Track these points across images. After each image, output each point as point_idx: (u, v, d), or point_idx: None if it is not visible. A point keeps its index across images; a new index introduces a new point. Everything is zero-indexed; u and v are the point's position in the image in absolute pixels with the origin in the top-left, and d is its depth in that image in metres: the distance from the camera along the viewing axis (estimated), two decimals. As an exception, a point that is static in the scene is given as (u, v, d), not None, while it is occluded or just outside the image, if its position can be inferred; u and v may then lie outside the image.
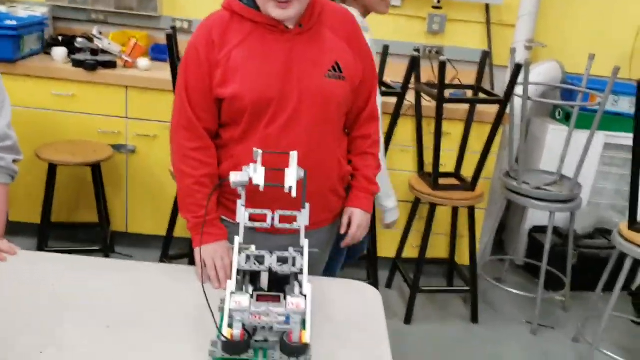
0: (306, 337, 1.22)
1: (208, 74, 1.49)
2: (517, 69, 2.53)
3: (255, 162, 1.37)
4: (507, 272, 3.49)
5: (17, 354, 1.17)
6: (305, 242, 1.32)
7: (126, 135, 3.13)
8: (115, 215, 3.27)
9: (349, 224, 1.69)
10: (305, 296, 1.25)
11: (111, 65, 3.06)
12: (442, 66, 2.53)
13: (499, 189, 3.30)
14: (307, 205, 1.36)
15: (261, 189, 1.35)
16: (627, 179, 3.56)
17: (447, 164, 3.06)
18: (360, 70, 1.60)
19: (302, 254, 1.31)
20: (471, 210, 2.92)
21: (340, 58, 1.55)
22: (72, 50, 3.12)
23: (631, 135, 3.31)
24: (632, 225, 2.52)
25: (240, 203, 1.35)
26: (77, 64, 3.00)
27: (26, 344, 1.21)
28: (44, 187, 2.93)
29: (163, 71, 3.15)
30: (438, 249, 3.33)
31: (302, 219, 1.35)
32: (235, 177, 1.36)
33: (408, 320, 2.91)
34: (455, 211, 3.15)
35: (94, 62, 2.98)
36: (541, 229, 3.48)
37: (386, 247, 3.24)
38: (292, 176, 1.35)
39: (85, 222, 3.24)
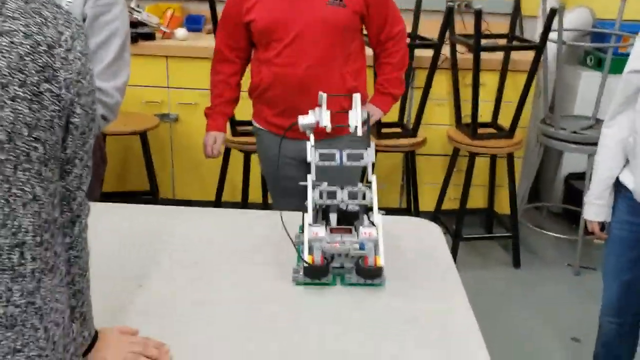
0: (381, 261, 1.32)
1: (239, 4, 1.98)
2: (552, 13, 2.57)
3: (320, 106, 1.47)
4: (545, 219, 3.56)
5: (117, 287, 1.29)
6: (373, 178, 1.41)
7: (169, 104, 3.24)
8: (162, 183, 3.39)
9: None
10: (375, 226, 1.35)
11: (150, 37, 3.15)
12: (478, 15, 2.58)
13: (535, 136, 3.35)
14: (373, 144, 1.44)
15: (328, 130, 1.44)
16: (662, 121, 3.59)
17: (483, 114, 3.11)
18: (359, 1, 1.96)
19: (370, 188, 1.40)
20: (510, 158, 2.99)
21: None
22: (112, 25, 3.21)
23: (665, 76, 3.34)
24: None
25: (310, 144, 1.43)
26: (119, 37, 3.09)
27: (125, 277, 1.32)
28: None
29: (200, 40, 3.25)
30: (475, 199, 3.40)
31: (369, 156, 1.43)
32: (302, 120, 1.45)
33: (452, 268, 3.00)
34: (493, 161, 3.22)
35: (135, 34, 3.07)
36: (577, 176, 3.53)
37: (426, 202, 3.32)
38: (356, 116, 1.44)
39: (133, 190, 3.37)
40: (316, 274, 1.32)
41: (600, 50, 3.41)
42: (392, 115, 2.91)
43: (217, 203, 3.05)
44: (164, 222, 1.60)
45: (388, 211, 1.44)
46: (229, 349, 1.12)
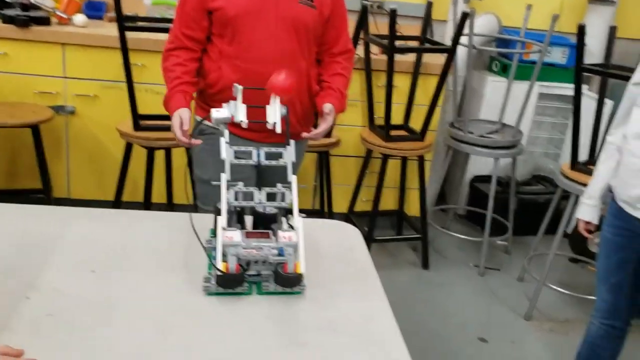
0: (301, 268, 1.23)
1: None
2: (464, 16, 2.60)
3: (235, 98, 1.36)
4: (451, 221, 3.63)
5: (3, 299, 1.12)
6: (293, 178, 1.32)
7: (65, 96, 2.99)
8: (56, 180, 3.13)
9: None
10: (295, 229, 1.26)
11: (45, 21, 2.89)
12: (392, 14, 2.57)
13: (444, 140, 3.40)
14: (292, 142, 1.36)
15: (244, 125, 1.34)
16: (559, 127, 3.77)
17: (395, 116, 3.11)
18: (328, 5, 1.92)
19: (290, 189, 1.31)
20: (420, 160, 3.00)
21: None
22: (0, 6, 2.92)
23: (564, 85, 3.51)
24: (574, 165, 2.66)
25: (224, 140, 1.32)
26: (8, 20, 2.81)
27: (12, 289, 1.15)
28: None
29: (101, 28, 3.02)
30: (386, 201, 3.41)
31: (288, 155, 1.35)
32: (216, 114, 1.34)
33: (363, 270, 2.97)
34: (404, 163, 3.23)
35: (26, 17, 2.81)
36: (481, 179, 3.63)
37: (338, 203, 3.28)
38: (275, 112, 1.35)
39: (26, 188, 3.08)
40: (230, 283, 1.21)
41: (505, 56, 3.53)
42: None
43: (117, 203, 2.83)
44: (58, 224, 1.43)
45: (300, 212, 1.36)
46: (132, 370, 0.99)
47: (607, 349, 1.94)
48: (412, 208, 3.42)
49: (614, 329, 1.91)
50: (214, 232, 1.36)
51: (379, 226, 3.25)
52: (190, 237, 1.34)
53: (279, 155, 1.35)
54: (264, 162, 1.34)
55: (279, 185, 1.32)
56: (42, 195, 2.93)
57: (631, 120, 1.72)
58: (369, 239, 3.00)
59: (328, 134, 2.92)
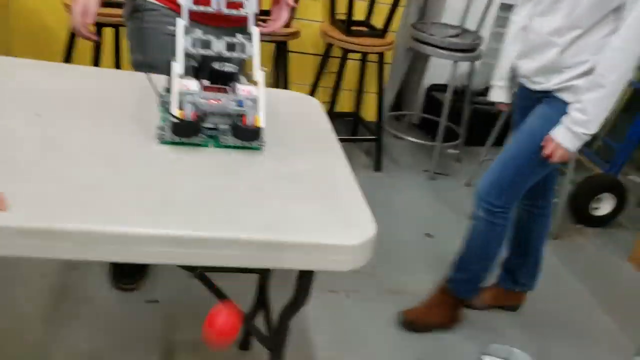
0: (260, 122, 1.19)
1: None
2: None
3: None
4: (406, 128, 3.65)
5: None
6: (254, 29, 1.26)
7: (4, -35, 2.76)
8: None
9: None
10: (255, 84, 1.21)
11: None
12: None
13: (403, 44, 3.35)
14: (252, -12, 1.28)
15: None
16: (518, 40, 3.76)
17: (357, 13, 3.02)
18: None
19: (250, 40, 1.25)
20: (380, 60, 2.95)
21: None
22: None
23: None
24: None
25: (182, 22, 1.23)
26: None
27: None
28: None
29: None
30: (343, 104, 3.38)
31: (250, 5, 1.28)
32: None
33: (316, 168, 2.96)
34: (363, 64, 3.17)
35: None
36: (438, 87, 3.62)
37: (293, 100, 3.22)
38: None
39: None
40: (186, 130, 1.16)
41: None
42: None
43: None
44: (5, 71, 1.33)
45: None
46: (80, 200, 0.94)
47: (533, 229, 2.06)
48: (369, 113, 3.40)
49: (536, 208, 2.00)
50: (168, 90, 1.29)
51: (334, 128, 3.22)
52: (142, 94, 1.28)
53: (239, 5, 1.27)
54: (224, 10, 1.26)
55: (239, 35, 1.25)
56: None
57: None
58: (324, 137, 2.97)
59: (287, 24, 2.82)
